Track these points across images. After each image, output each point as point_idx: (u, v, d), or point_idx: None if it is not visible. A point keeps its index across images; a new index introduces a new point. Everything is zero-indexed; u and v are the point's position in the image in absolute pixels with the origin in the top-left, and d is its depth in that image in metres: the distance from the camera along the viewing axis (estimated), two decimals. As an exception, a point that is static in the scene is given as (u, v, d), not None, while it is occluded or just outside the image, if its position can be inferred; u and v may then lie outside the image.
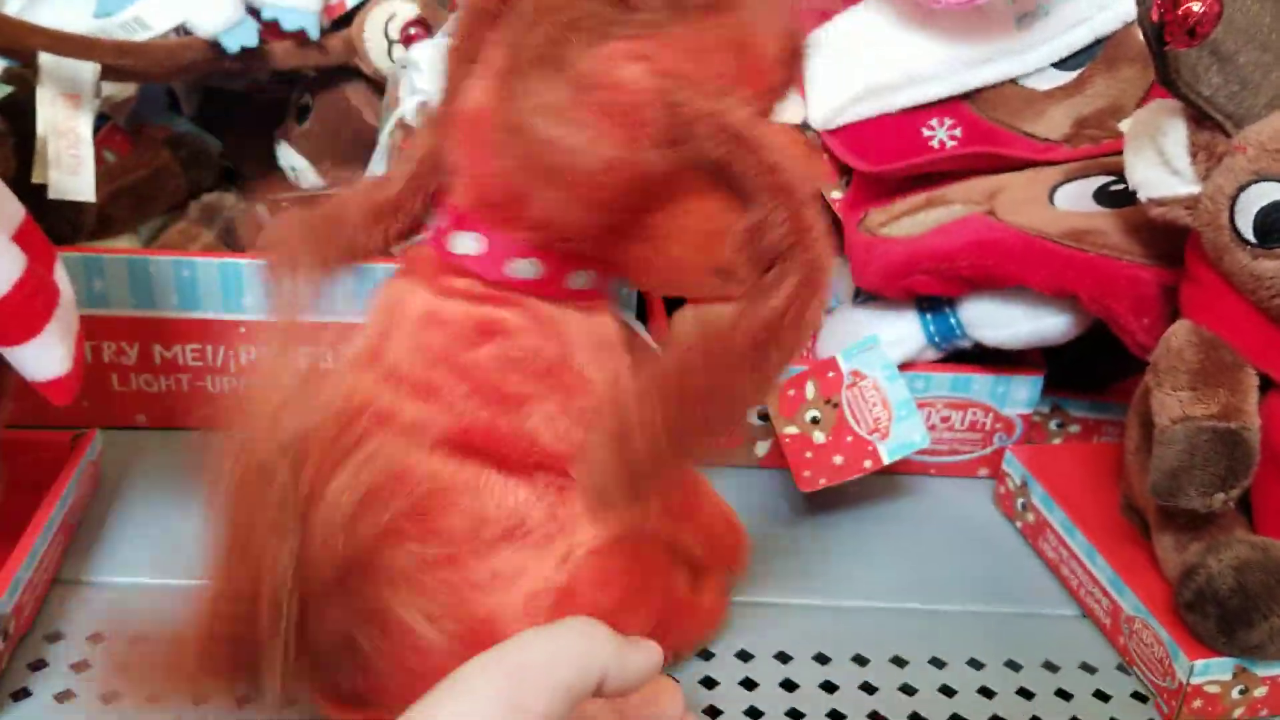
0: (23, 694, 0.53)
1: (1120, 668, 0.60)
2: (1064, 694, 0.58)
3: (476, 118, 0.47)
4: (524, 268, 0.49)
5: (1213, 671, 0.55)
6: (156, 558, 0.61)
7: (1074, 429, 0.78)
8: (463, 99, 0.49)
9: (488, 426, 0.49)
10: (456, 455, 0.49)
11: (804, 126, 0.77)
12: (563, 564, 0.50)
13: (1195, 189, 0.56)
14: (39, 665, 0.54)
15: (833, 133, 0.75)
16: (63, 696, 0.53)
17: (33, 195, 0.60)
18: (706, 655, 0.59)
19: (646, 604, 0.52)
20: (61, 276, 0.52)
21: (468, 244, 0.49)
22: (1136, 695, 0.59)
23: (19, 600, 0.54)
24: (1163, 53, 0.54)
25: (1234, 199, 0.54)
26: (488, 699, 0.35)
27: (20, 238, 0.49)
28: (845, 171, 0.77)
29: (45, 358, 0.50)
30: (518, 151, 0.44)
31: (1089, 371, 0.78)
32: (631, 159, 0.43)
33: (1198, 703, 0.56)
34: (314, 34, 0.76)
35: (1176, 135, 0.57)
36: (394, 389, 0.49)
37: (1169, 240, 0.62)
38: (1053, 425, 0.77)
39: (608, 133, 0.43)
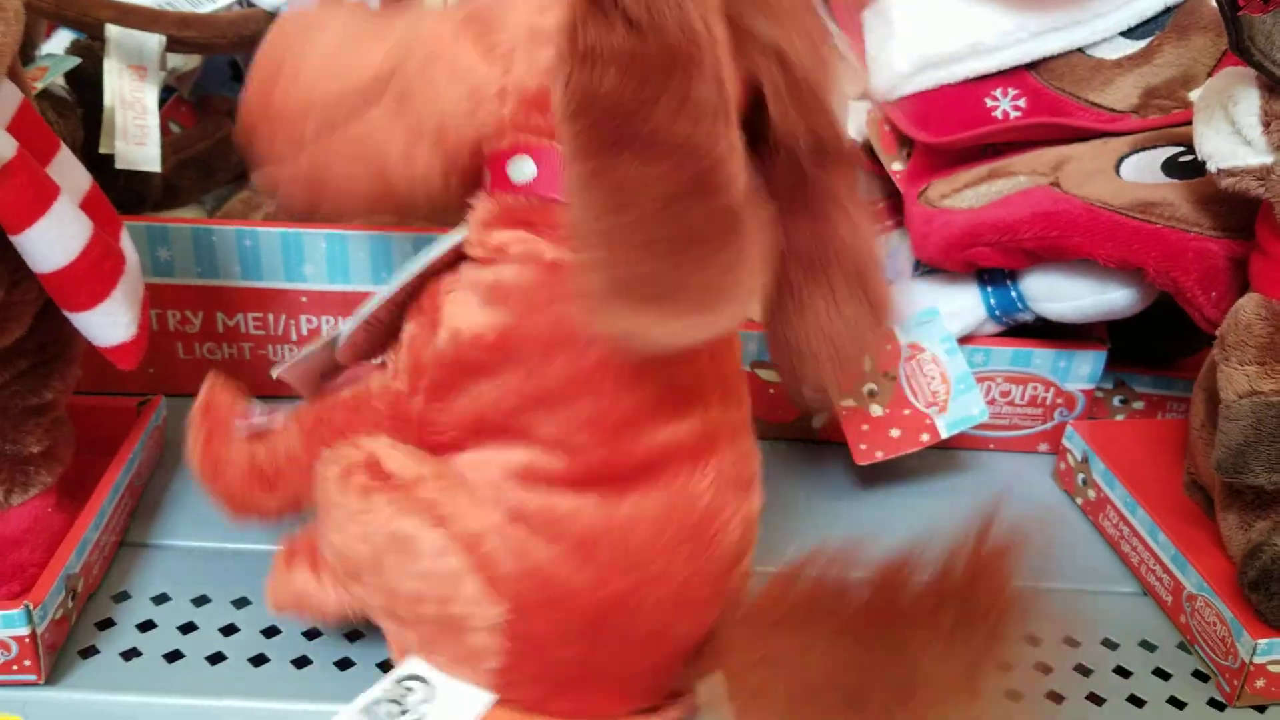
0: (91, 651, 0.54)
1: (1181, 646, 0.59)
2: (1123, 671, 0.58)
3: None
4: None
5: (1277, 651, 0.54)
6: (219, 522, 0.62)
7: (1138, 405, 0.77)
8: None
9: None
10: None
11: (864, 97, 0.76)
12: None
13: (1268, 159, 0.55)
14: (106, 624, 0.56)
15: (894, 104, 0.74)
16: (129, 655, 0.54)
17: (100, 165, 0.61)
18: (760, 626, 0.59)
19: None
20: (127, 244, 0.53)
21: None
22: (1197, 674, 0.58)
23: (87, 560, 0.55)
24: (1236, 18, 0.53)
25: (1308, 169, 0.53)
26: None
27: (87, 205, 0.50)
28: (906, 143, 0.76)
29: (112, 323, 0.51)
30: None
31: (1155, 347, 0.76)
32: None
33: (1260, 682, 0.55)
34: (373, 2, 0.76)
35: (1249, 104, 0.56)
36: None
37: (1239, 212, 0.61)
38: (1116, 401, 0.76)
39: None
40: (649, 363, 0.44)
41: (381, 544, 0.47)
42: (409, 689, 0.49)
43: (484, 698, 0.48)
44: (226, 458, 0.53)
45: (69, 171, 0.51)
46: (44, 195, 0.47)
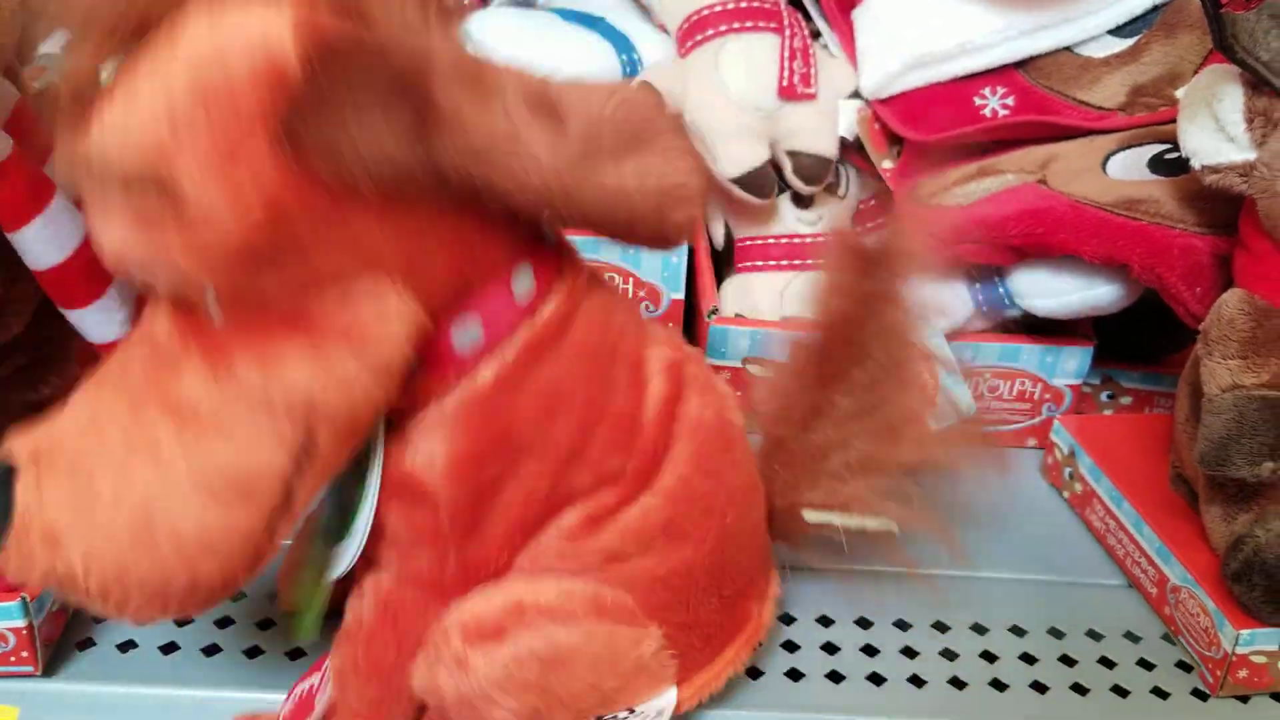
0: (87, 643, 0.55)
1: (1165, 637, 0.60)
2: (1107, 662, 0.58)
3: None
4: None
5: (1259, 642, 0.55)
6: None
7: (1126, 400, 0.77)
8: None
9: None
10: None
11: (856, 96, 0.77)
12: None
13: (1250, 156, 0.56)
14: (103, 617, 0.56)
15: (884, 102, 0.75)
16: (125, 647, 0.55)
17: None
18: (749, 618, 0.59)
19: None
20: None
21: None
22: (1181, 665, 0.58)
23: (85, 553, 0.56)
24: (1219, 16, 0.53)
25: (1290, 166, 0.53)
26: None
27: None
28: (897, 141, 0.76)
29: (107, 320, 0.52)
30: None
31: (1142, 343, 0.77)
32: None
33: (1243, 673, 0.56)
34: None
35: (1232, 101, 0.56)
36: None
37: (1223, 208, 0.61)
38: (1103, 397, 0.77)
39: None
40: (611, 354, 0.47)
41: (539, 676, 0.46)
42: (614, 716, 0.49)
43: (670, 691, 0.50)
44: None
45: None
46: (40, 194, 0.47)
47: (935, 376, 0.65)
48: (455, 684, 0.45)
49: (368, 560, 0.46)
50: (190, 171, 0.36)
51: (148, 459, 0.39)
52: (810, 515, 0.56)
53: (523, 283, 0.44)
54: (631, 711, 0.49)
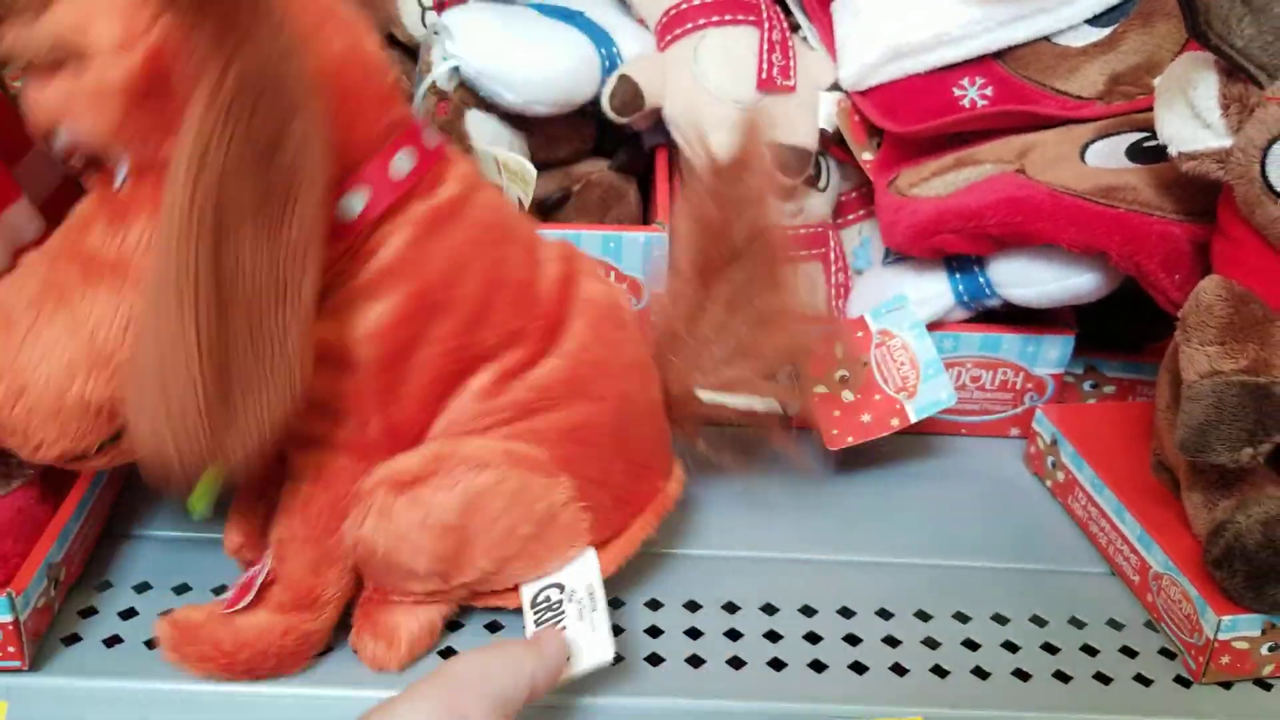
0: (73, 639, 0.55)
1: (1148, 624, 0.60)
2: (1090, 650, 0.59)
3: None
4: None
5: (1241, 627, 0.55)
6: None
7: (1109, 389, 0.77)
8: None
9: None
10: None
11: (834, 88, 0.77)
12: None
13: (1226, 142, 0.56)
14: (89, 612, 0.57)
15: (863, 94, 0.75)
16: (111, 642, 0.55)
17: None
18: (731, 608, 0.60)
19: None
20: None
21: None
22: (1164, 651, 0.59)
23: (69, 550, 0.56)
24: (1192, 4, 0.54)
25: (1265, 151, 0.54)
26: (432, 704, 0.44)
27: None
28: (876, 133, 0.76)
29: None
30: None
31: (1124, 332, 0.77)
32: None
33: (1225, 659, 0.56)
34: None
35: (1207, 88, 0.56)
36: None
37: (1200, 195, 0.61)
38: (1086, 386, 0.77)
39: None
40: (507, 233, 0.55)
41: (457, 516, 0.51)
42: (546, 598, 0.54)
43: (590, 553, 0.55)
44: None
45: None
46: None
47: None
48: (380, 532, 0.51)
49: (301, 434, 0.50)
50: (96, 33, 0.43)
51: (56, 299, 0.46)
52: (703, 395, 0.61)
53: (401, 162, 0.50)
54: (561, 589, 0.54)
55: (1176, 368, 0.59)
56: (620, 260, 0.71)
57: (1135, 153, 0.66)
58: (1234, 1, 0.53)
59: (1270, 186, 0.54)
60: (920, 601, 0.61)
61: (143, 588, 0.58)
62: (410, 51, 0.80)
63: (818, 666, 0.56)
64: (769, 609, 0.60)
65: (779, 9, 0.77)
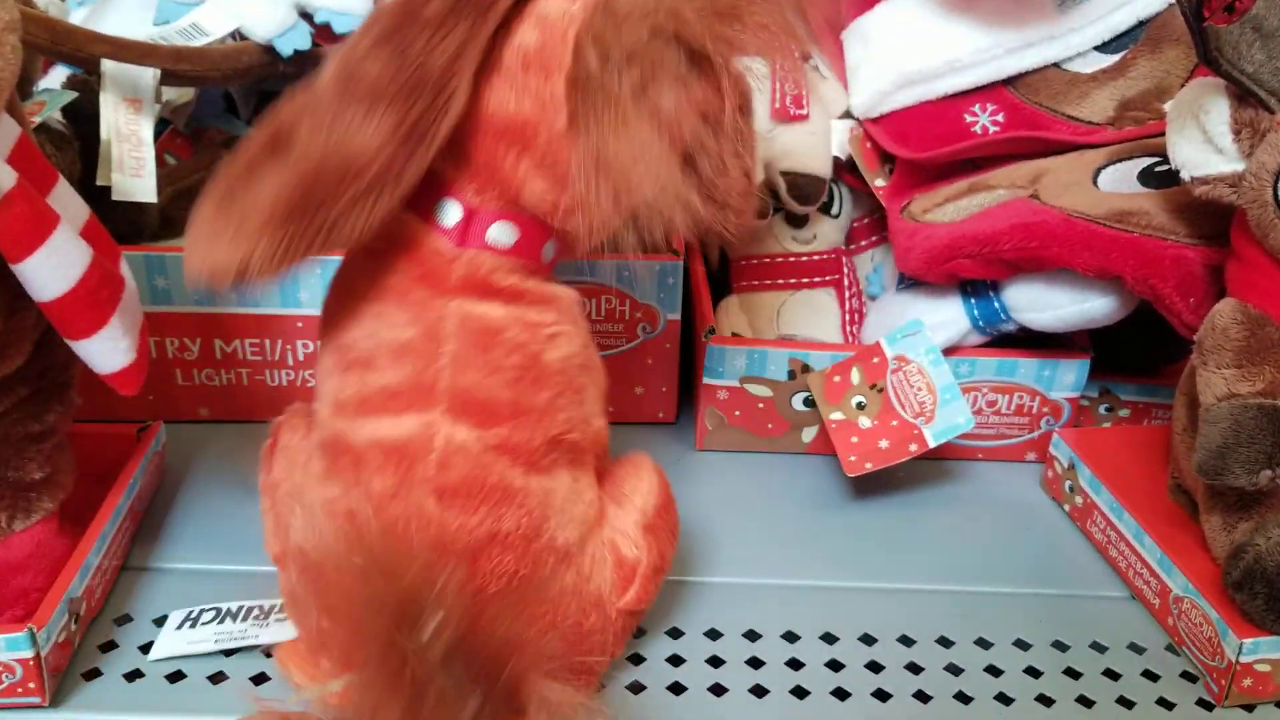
0: (94, 674, 0.55)
1: (1169, 648, 0.60)
2: (1112, 674, 0.58)
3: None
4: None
5: (1262, 650, 0.55)
6: (219, 545, 0.63)
7: (1124, 413, 0.78)
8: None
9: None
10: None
11: (846, 115, 0.77)
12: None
13: (1239, 166, 0.56)
14: (109, 646, 0.56)
15: (875, 121, 0.75)
16: (131, 676, 0.55)
17: (98, 197, 0.62)
18: (752, 636, 0.59)
19: None
20: (125, 270, 0.54)
21: (505, 233, 0.51)
22: (1185, 675, 0.59)
23: (89, 584, 0.56)
24: (1202, 30, 0.54)
25: (1278, 175, 0.54)
26: None
27: (86, 234, 0.51)
28: (888, 160, 0.77)
29: (112, 349, 0.52)
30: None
31: (1139, 355, 0.77)
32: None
33: (1248, 681, 0.56)
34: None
35: (1219, 113, 0.57)
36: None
37: (1214, 219, 0.62)
38: (1102, 409, 0.77)
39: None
40: None
41: None
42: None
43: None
44: None
45: (68, 203, 0.52)
46: (44, 224, 0.48)
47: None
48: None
49: None
50: None
51: None
52: None
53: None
54: None
55: (1193, 391, 0.60)
56: (634, 289, 0.71)
57: (1147, 177, 0.66)
58: (1244, 28, 0.54)
59: (1284, 210, 0.54)
60: (941, 628, 0.61)
61: (163, 622, 0.58)
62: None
63: (840, 694, 0.56)
64: (790, 636, 0.60)
65: (789, 38, 0.78)
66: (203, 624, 0.57)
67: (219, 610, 0.58)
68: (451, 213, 0.50)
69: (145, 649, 0.56)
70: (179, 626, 0.57)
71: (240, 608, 0.58)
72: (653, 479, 0.56)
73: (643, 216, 0.47)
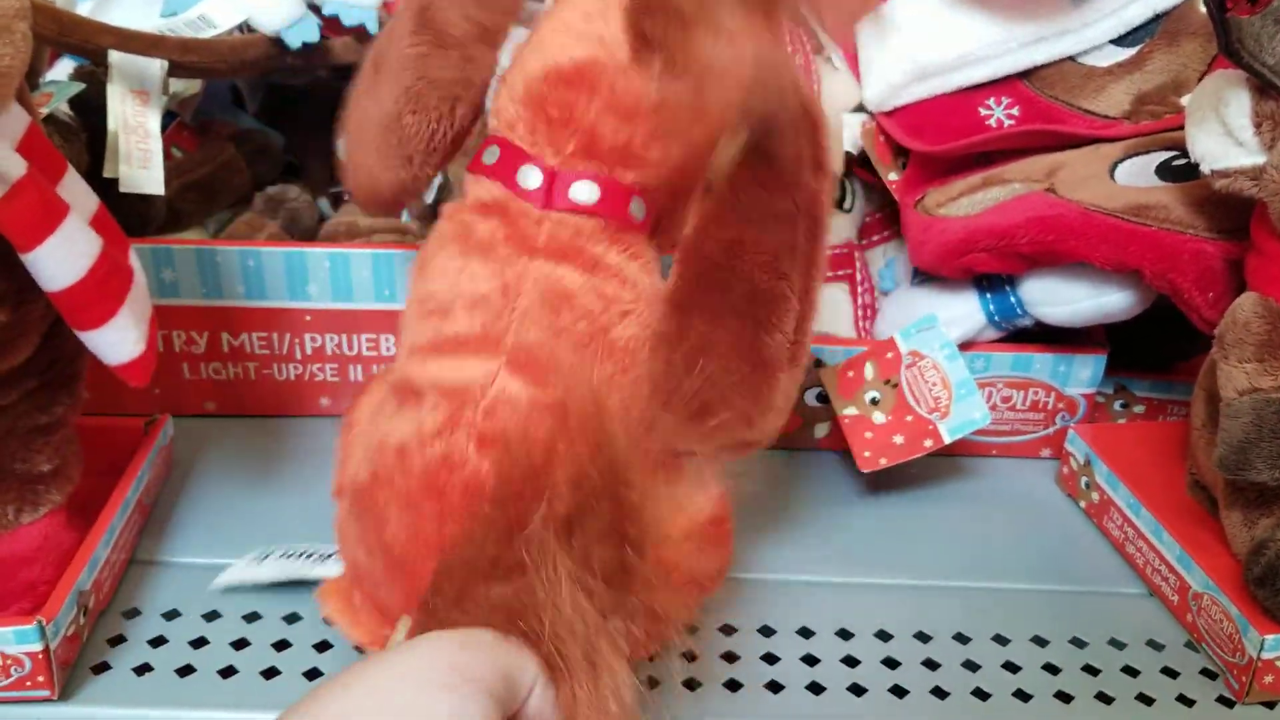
0: (103, 667, 0.54)
1: (1189, 645, 0.60)
2: (1131, 670, 0.58)
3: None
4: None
5: (1284, 647, 0.55)
6: (227, 538, 0.62)
7: (1139, 409, 0.77)
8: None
9: None
10: None
11: (860, 109, 0.77)
12: None
13: (1260, 159, 0.56)
14: (118, 640, 0.56)
15: (889, 114, 0.75)
16: (140, 670, 0.54)
17: (105, 189, 0.62)
18: (767, 632, 0.59)
19: None
20: (134, 261, 0.53)
21: (587, 191, 0.51)
22: (1205, 672, 0.58)
23: (98, 578, 0.56)
24: (1224, 21, 0.54)
25: (1300, 168, 0.54)
26: (435, 656, 0.35)
27: (95, 224, 0.51)
28: (902, 153, 0.76)
29: (121, 340, 0.51)
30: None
31: (1155, 351, 0.77)
32: None
33: (1269, 678, 0.55)
34: (373, 29, 0.77)
35: (1240, 105, 0.56)
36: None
37: (1234, 213, 0.61)
38: (1117, 405, 0.77)
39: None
40: None
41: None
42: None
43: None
44: None
45: (77, 193, 0.51)
46: (54, 213, 0.47)
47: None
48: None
49: None
50: None
51: None
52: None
53: None
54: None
55: (1212, 386, 0.59)
56: (647, 282, 0.71)
57: (1165, 171, 0.66)
58: (1265, 19, 0.53)
59: (1305, 203, 0.54)
60: (957, 624, 0.60)
61: (172, 615, 0.58)
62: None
63: (856, 690, 0.56)
64: (804, 632, 0.59)
65: (802, 31, 0.77)
66: (268, 561, 0.59)
67: (283, 550, 0.60)
68: (533, 177, 0.51)
69: (154, 643, 0.56)
70: (246, 564, 0.59)
71: (301, 550, 0.60)
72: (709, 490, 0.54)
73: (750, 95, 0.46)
